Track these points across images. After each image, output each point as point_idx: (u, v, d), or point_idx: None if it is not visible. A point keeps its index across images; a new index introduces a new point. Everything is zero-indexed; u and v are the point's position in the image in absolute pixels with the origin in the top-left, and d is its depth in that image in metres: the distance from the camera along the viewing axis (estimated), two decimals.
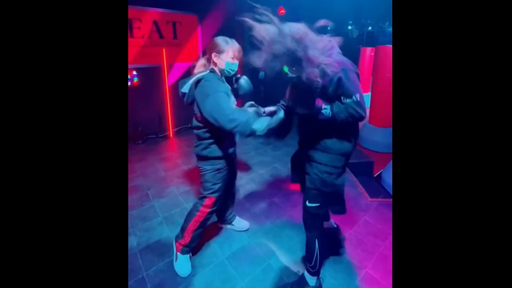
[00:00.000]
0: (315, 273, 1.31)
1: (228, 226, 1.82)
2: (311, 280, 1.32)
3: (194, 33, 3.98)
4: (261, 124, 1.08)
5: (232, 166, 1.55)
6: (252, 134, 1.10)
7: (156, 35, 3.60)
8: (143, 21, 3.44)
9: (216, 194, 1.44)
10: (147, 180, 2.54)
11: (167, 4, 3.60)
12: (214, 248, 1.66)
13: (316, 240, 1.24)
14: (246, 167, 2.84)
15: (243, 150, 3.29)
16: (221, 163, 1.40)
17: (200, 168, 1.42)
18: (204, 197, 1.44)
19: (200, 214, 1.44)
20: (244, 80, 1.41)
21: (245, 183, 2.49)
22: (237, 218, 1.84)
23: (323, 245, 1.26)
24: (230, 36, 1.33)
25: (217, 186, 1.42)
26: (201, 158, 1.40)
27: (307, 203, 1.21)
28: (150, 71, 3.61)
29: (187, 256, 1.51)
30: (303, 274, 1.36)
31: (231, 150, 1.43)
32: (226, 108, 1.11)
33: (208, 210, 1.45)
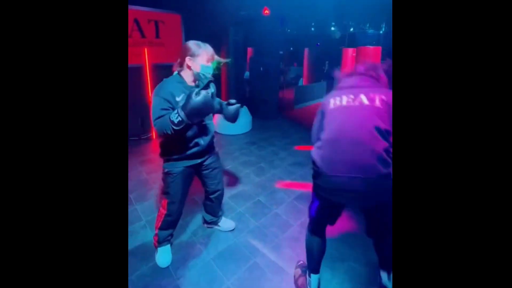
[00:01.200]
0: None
1: (214, 227, 1.82)
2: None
3: (178, 33, 3.92)
4: (174, 116, 1.17)
5: (203, 171, 1.52)
6: (174, 128, 1.17)
7: (138, 34, 3.51)
8: None
9: (167, 197, 1.45)
10: (130, 183, 2.47)
11: (149, 2, 3.52)
12: (200, 249, 1.65)
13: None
14: (232, 168, 2.84)
15: (228, 150, 3.29)
16: (168, 167, 1.39)
17: None
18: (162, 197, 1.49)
19: (159, 213, 1.50)
20: (234, 109, 1.46)
21: (230, 183, 2.49)
22: (223, 218, 1.84)
23: (308, 242, 1.29)
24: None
25: (166, 190, 1.44)
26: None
27: None
28: (131, 71, 3.51)
29: (165, 247, 1.56)
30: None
31: (184, 153, 1.37)
32: (154, 112, 1.23)
33: (164, 212, 1.46)
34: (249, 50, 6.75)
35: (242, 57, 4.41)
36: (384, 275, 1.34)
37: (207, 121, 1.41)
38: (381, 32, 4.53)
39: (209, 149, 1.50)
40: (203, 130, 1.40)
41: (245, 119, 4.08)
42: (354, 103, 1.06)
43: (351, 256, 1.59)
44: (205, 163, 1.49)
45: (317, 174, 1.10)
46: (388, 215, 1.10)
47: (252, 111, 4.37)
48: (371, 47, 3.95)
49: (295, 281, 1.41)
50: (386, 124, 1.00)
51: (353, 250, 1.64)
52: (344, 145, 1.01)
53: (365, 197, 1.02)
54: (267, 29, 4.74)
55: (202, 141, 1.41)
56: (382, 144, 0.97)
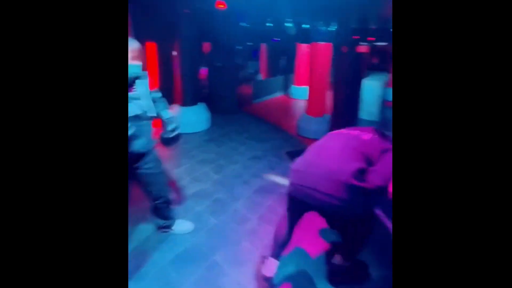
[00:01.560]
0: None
1: (169, 231, 1.73)
2: None
3: None
4: None
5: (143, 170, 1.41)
6: None
7: None
8: None
9: None
10: None
11: None
12: (153, 256, 1.56)
13: None
14: (189, 167, 2.75)
15: (185, 149, 3.17)
16: None
17: None
18: None
19: None
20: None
21: (188, 183, 2.41)
22: (178, 220, 1.77)
23: (278, 229, 1.41)
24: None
25: None
26: None
27: None
28: None
29: None
30: None
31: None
32: None
33: None
34: (206, 45, 6.56)
35: (197, 52, 4.26)
36: (338, 257, 1.46)
37: (142, 121, 1.25)
38: (331, 29, 4.80)
39: (146, 152, 1.37)
40: (137, 132, 1.24)
41: (203, 116, 3.98)
42: (345, 132, 1.26)
43: (305, 239, 1.68)
44: (141, 169, 1.37)
45: (292, 171, 1.20)
46: (353, 232, 1.26)
47: (211, 108, 4.28)
48: (323, 43, 4.16)
49: (258, 269, 1.44)
50: (367, 152, 1.12)
51: (307, 234, 1.73)
52: (325, 149, 1.18)
53: (330, 201, 1.03)
54: (224, 23, 4.65)
55: (136, 145, 1.27)
56: (358, 163, 1.05)
